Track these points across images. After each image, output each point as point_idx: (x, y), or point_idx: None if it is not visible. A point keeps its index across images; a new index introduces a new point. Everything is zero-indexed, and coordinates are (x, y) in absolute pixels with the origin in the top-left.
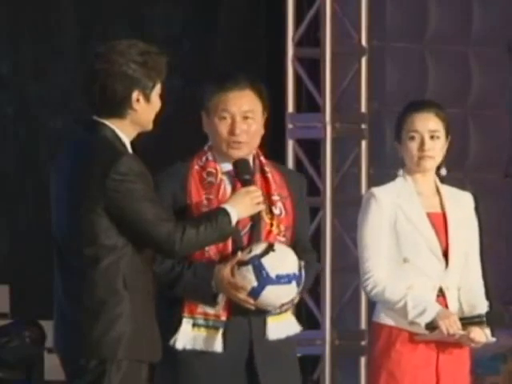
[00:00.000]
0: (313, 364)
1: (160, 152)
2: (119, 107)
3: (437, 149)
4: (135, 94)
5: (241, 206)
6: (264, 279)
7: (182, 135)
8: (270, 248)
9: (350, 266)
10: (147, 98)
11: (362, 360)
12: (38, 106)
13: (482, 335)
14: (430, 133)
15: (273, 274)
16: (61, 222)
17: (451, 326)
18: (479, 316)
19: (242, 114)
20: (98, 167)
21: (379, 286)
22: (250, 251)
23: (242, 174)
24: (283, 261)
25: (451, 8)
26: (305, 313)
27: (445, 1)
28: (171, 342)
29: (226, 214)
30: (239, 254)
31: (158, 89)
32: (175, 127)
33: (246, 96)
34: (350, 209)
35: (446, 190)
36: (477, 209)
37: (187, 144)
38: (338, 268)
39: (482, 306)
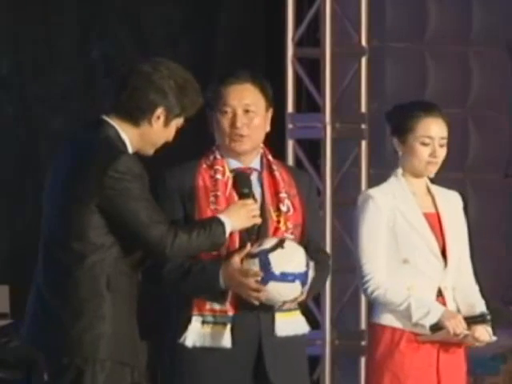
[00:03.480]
0: (313, 364)
1: (159, 151)
2: (139, 114)
3: (443, 155)
4: (159, 111)
5: (236, 218)
6: (268, 274)
7: (181, 135)
8: (279, 244)
9: (350, 266)
10: (167, 121)
11: (362, 360)
12: (38, 106)
13: (486, 334)
14: (441, 140)
15: (277, 271)
16: (52, 215)
17: (458, 326)
18: (483, 315)
19: (243, 107)
20: (97, 164)
21: (380, 288)
22: (260, 245)
23: (240, 187)
24: (290, 259)
25: (451, 8)
26: (305, 313)
27: (445, 1)
28: (181, 339)
29: (220, 223)
30: (248, 245)
31: (180, 120)
32: None
33: (247, 90)
34: (350, 209)
35: (435, 189)
36: (465, 208)
37: (186, 144)
38: (338, 268)
39: (480, 305)
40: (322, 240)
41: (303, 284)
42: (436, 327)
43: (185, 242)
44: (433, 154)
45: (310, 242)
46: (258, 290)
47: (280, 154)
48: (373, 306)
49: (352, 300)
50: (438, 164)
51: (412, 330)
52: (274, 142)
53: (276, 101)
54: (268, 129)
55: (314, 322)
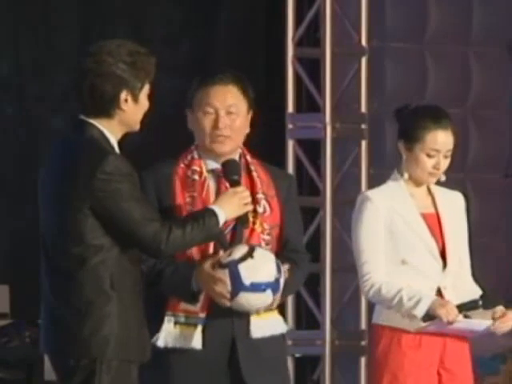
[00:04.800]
0: (313, 364)
1: (160, 151)
2: (107, 107)
3: (446, 165)
4: (123, 94)
5: (228, 207)
6: (238, 286)
7: (181, 135)
8: (249, 254)
9: (349, 266)
10: (135, 99)
11: (362, 360)
12: (37, 105)
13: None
14: (447, 152)
15: (247, 282)
16: (48, 221)
17: (450, 314)
18: (474, 301)
19: (226, 109)
20: (84, 167)
21: (376, 285)
22: (230, 254)
23: (230, 175)
24: (260, 269)
25: (451, 8)
26: (305, 313)
27: (445, 1)
28: (154, 339)
29: (214, 214)
30: (221, 252)
31: (146, 89)
32: (175, 127)
33: (229, 91)
34: (350, 209)
35: (436, 189)
36: (467, 209)
37: (187, 144)
38: (338, 268)
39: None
40: (322, 240)
41: (274, 292)
42: (428, 317)
43: (179, 237)
44: (436, 166)
45: (287, 243)
46: (226, 298)
47: (280, 154)
48: (374, 307)
49: (352, 300)
50: (439, 175)
51: (411, 329)
52: (274, 142)
53: (276, 101)
54: (248, 130)
55: (314, 322)
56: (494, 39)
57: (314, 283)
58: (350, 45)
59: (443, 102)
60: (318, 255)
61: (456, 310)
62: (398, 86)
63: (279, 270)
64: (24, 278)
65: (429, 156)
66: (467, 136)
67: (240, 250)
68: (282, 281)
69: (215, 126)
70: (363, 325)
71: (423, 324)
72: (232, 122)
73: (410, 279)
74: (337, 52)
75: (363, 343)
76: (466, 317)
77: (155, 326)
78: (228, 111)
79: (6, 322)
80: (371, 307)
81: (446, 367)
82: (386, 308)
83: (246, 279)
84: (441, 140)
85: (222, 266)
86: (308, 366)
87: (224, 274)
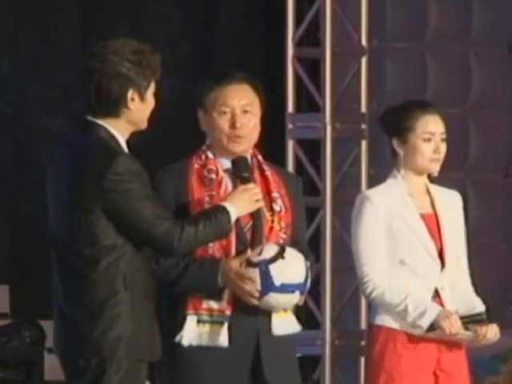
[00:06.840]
0: (313, 364)
1: (160, 152)
2: (114, 106)
3: (445, 151)
4: (130, 93)
5: (240, 204)
6: (268, 286)
7: (182, 135)
8: (279, 254)
9: (350, 266)
10: (142, 97)
11: (362, 360)
12: (37, 106)
13: (495, 332)
14: (442, 135)
15: (278, 283)
16: (59, 223)
17: (453, 326)
18: (479, 314)
19: (242, 108)
20: (94, 168)
21: (379, 288)
22: (260, 253)
23: (240, 172)
24: (291, 270)
25: (451, 8)
26: (305, 313)
27: (445, 1)
28: (177, 339)
29: (225, 211)
30: (249, 251)
31: (152, 87)
32: (175, 127)
33: (244, 90)
34: (350, 209)
35: (435, 189)
36: (465, 208)
37: (187, 144)
38: (338, 268)
39: (478, 305)
40: (322, 240)
41: (302, 292)
42: (432, 327)
43: (192, 235)
44: (436, 150)
45: (297, 243)
46: (252, 295)
47: (280, 154)
48: (372, 307)
49: (352, 300)
50: (440, 160)
51: (408, 330)
52: (274, 142)
53: (276, 101)
54: (260, 129)
55: (314, 322)
56: (494, 39)
57: (314, 283)
58: (350, 45)
59: (443, 102)
60: (318, 255)
61: (459, 323)
62: (398, 85)
63: (307, 270)
64: (24, 278)
65: (426, 140)
66: (467, 136)
67: (270, 250)
68: (309, 280)
69: (232, 125)
70: (363, 325)
71: (425, 332)
72: (248, 121)
73: (408, 279)
74: (337, 52)
75: (363, 343)
76: (466, 329)
77: (174, 327)
78: (244, 110)
79: (6, 322)
80: (371, 308)
81: (443, 368)
82: (384, 311)
83: (277, 280)
84: (432, 123)
85: (251, 264)
86: (308, 365)
87: (254, 273)
